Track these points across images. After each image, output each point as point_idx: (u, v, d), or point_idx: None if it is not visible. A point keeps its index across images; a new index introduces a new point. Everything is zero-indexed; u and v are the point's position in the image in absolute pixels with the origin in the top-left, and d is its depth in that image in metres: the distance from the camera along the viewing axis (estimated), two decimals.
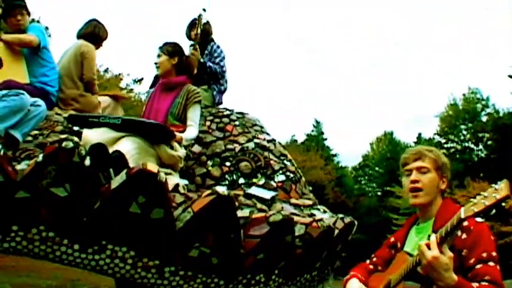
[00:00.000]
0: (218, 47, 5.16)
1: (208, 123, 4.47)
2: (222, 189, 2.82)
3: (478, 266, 2.05)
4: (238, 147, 4.13)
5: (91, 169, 2.64)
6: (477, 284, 1.98)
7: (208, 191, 2.87)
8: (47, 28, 31.78)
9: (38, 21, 31.64)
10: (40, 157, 2.57)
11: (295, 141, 43.84)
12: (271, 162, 4.10)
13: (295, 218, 3.39)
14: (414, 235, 2.41)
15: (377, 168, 43.38)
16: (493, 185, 1.85)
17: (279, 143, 4.45)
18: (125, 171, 2.66)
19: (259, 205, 3.55)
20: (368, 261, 2.60)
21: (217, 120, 4.50)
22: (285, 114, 57.59)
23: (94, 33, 4.72)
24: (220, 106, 5.10)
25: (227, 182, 3.89)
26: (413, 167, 2.36)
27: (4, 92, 3.07)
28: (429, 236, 2.03)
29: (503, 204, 1.79)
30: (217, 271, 2.99)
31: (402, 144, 41.58)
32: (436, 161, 2.35)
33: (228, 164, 4.00)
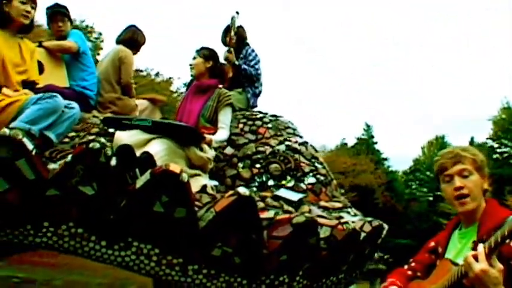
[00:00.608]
0: (253, 50, 5.24)
1: (241, 125, 4.53)
2: (243, 190, 2.87)
3: None
4: (269, 150, 4.17)
5: (117, 169, 2.74)
6: None
7: (231, 192, 2.94)
8: (100, 34, 32.77)
9: (88, 28, 32.69)
10: (69, 157, 2.70)
11: (345, 144, 43.49)
12: (302, 164, 4.12)
13: (321, 221, 3.42)
14: (457, 241, 2.26)
15: (428, 173, 42.44)
16: None
17: (311, 146, 4.47)
18: (149, 171, 2.75)
19: (286, 207, 3.58)
20: (406, 267, 2.48)
21: (250, 122, 4.56)
22: (336, 117, 57.09)
23: (132, 39, 4.88)
24: (255, 109, 5.16)
25: (256, 184, 3.94)
26: (453, 171, 2.21)
27: (39, 95, 3.22)
28: (474, 243, 1.93)
29: None
30: (240, 270, 3.04)
31: None
32: (475, 160, 2.21)
33: (258, 166, 4.04)
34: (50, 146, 3.18)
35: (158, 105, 5.04)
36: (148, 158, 3.20)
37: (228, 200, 2.87)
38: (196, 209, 3.03)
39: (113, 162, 2.73)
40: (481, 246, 1.84)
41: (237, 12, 5.13)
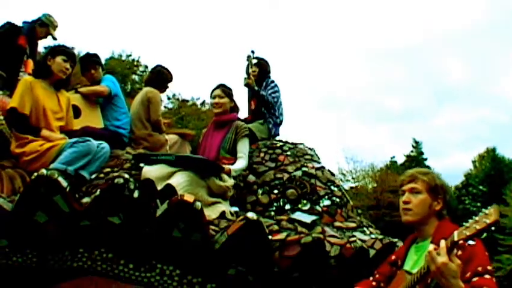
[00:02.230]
0: (272, 81, 5.60)
1: (262, 154, 4.88)
2: (251, 215, 3.22)
3: (475, 279, 2.15)
4: (286, 176, 4.49)
5: (139, 200, 3.14)
6: None
7: (241, 217, 3.29)
8: (146, 67, 33.86)
9: (134, 62, 33.87)
10: (98, 192, 3.13)
11: (395, 162, 42.94)
12: (318, 188, 4.41)
13: (332, 240, 3.70)
14: (414, 253, 2.56)
15: (480, 187, 41.35)
16: (484, 209, 2.02)
17: (328, 171, 4.75)
18: (167, 201, 3.15)
19: (300, 228, 3.88)
20: (371, 278, 2.77)
21: (270, 151, 4.89)
22: (385, 136, 56.55)
23: (157, 79, 5.34)
24: (278, 137, 5.50)
25: (274, 208, 4.26)
26: (406, 188, 2.56)
27: (74, 139, 3.69)
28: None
29: None
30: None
31: (506, 160, 39.42)
32: (429, 183, 2.51)
33: (275, 191, 4.36)
34: (85, 182, 3.62)
35: (187, 139, 5.45)
36: (169, 189, 3.60)
37: (238, 224, 3.23)
38: (214, 233, 3.41)
39: (136, 194, 3.14)
40: (443, 242, 2.07)
41: (252, 51, 5.54)
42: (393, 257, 2.72)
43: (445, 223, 2.49)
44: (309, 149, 5.07)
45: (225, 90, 4.67)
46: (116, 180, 3.10)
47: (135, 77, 37.12)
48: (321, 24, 67.00)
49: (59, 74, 4.06)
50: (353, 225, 4.22)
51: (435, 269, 2.03)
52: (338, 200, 4.42)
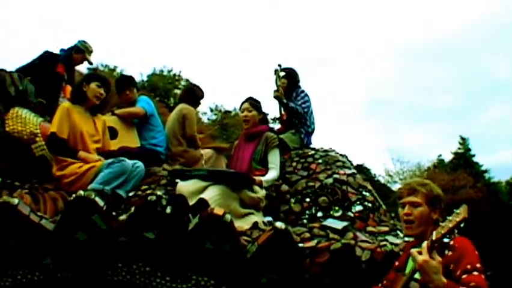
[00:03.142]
0: (302, 91, 5.70)
1: (294, 163, 4.98)
2: (279, 224, 3.33)
3: (464, 276, 2.31)
4: (318, 184, 4.57)
5: (172, 215, 3.30)
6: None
7: (270, 226, 3.40)
8: (187, 80, 34.51)
9: (176, 76, 34.50)
10: (133, 209, 3.30)
11: (442, 161, 42.03)
12: (349, 194, 4.48)
13: (364, 245, 3.77)
14: (412, 259, 2.63)
15: None
16: (455, 209, 2.22)
17: (360, 176, 4.81)
18: (198, 215, 3.29)
19: (331, 235, 3.96)
20: (380, 285, 2.89)
21: (302, 160, 4.99)
22: (431, 134, 55.43)
23: (191, 96, 5.53)
24: (311, 146, 5.59)
25: (307, 216, 4.35)
26: (406, 201, 2.66)
27: (110, 160, 3.91)
28: None
29: None
30: None
31: None
32: (428, 195, 2.63)
33: (307, 199, 4.46)
34: (122, 201, 3.81)
35: (222, 153, 5.61)
36: (202, 203, 3.76)
37: (267, 234, 3.34)
38: (246, 243, 3.53)
39: (169, 210, 3.29)
40: (424, 243, 2.29)
41: (279, 65, 5.66)
42: (396, 263, 2.86)
43: None
44: (341, 155, 5.15)
45: (253, 104, 4.81)
46: (149, 198, 3.27)
47: (177, 92, 37.89)
48: (369, 23, 66.47)
49: (93, 100, 4.30)
50: (386, 229, 4.27)
51: (418, 267, 2.26)
52: (370, 205, 4.48)
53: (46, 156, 4.13)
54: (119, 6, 58.57)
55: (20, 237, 3.18)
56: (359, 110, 59.57)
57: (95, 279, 3.36)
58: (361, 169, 37.69)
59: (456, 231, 2.24)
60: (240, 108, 4.90)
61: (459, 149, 42.22)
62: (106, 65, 35.76)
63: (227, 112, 34.78)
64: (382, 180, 36.54)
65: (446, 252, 2.41)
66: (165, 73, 38.31)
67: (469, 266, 2.34)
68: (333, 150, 5.22)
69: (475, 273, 2.32)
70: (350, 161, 5.17)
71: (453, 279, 2.32)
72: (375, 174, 38.10)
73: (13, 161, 3.99)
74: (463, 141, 42.47)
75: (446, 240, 2.35)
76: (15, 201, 3.10)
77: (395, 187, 34.06)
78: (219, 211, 3.26)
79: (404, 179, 34.70)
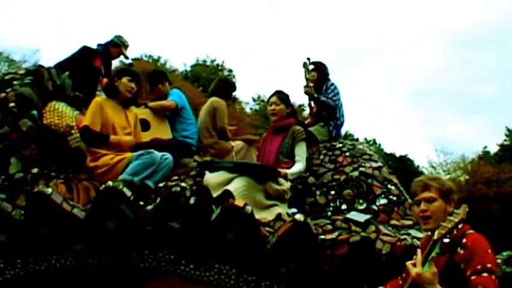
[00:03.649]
0: (332, 84, 5.75)
1: (322, 156, 5.05)
2: (299, 217, 3.44)
3: (473, 277, 2.34)
4: (343, 177, 4.64)
5: (195, 206, 3.45)
6: None
7: (290, 218, 3.51)
8: (231, 70, 34.74)
9: (219, 66, 34.87)
10: (158, 200, 3.47)
11: (488, 152, 40.98)
12: (374, 187, 4.53)
13: (385, 238, 3.84)
14: None
15: None
16: (455, 210, 2.30)
17: (386, 170, 4.84)
18: (220, 206, 3.43)
19: (354, 228, 4.03)
20: (399, 277, 2.92)
21: (329, 153, 5.05)
22: (476, 126, 54.07)
23: (221, 89, 5.67)
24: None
25: (331, 209, 4.42)
26: (420, 197, 2.70)
27: (139, 152, 4.09)
28: (437, 254, 2.38)
29: None
30: (306, 285, 3.57)
31: None
32: (441, 189, 2.67)
33: (332, 192, 4.52)
34: (150, 191, 3.99)
35: (253, 144, 5.72)
36: (227, 194, 3.89)
37: (287, 226, 3.45)
38: (268, 234, 3.65)
39: (192, 201, 3.44)
40: (419, 255, 2.39)
41: (308, 59, 5.72)
42: (414, 257, 2.86)
43: None
44: (369, 148, 5.18)
45: (281, 97, 4.89)
46: (173, 189, 3.43)
47: None
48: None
49: (125, 93, 4.49)
50: (409, 222, 4.30)
51: (412, 279, 2.32)
52: (394, 198, 4.51)
53: (81, 148, 4.34)
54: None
55: (53, 224, 3.38)
56: (404, 100, 58.80)
57: (123, 266, 3.55)
58: (404, 160, 37.30)
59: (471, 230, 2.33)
60: (268, 101, 5.00)
61: (505, 141, 41.04)
62: (150, 56, 36.50)
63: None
64: (426, 172, 36.02)
65: (458, 250, 2.45)
66: (208, 63, 38.75)
67: (479, 267, 2.36)
68: (362, 143, 5.29)
69: (485, 274, 2.34)
70: (377, 154, 5.19)
71: (463, 279, 2.36)
72: (418, 166, 37.59)
73: (50, 152, 4.21)
74: (510, 133, 41.28)
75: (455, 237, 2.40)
76: (49, 190, 3.31)
77: None
78: (239, 203, 3.39)
79: (447, 171, 34.15)
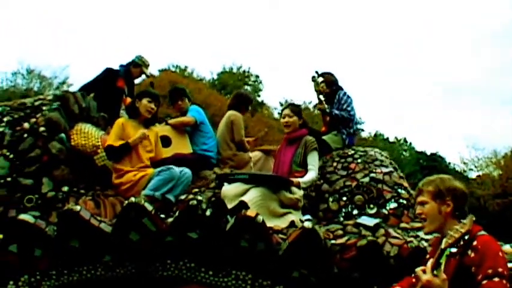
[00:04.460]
0: (345, 94, 5.95)
1: (335, 163, 5.28)
2: (307, 224, 3.69)
3: (484, 282, 2.37)
4: (354, 183, 4.87)
5: (211, 217, 3.73)
6: None
7: (300, 225, 3.77)
8: (257, 76, 34.96)
9: (245, 73, 35.15)
10: (176, 213, 3.77)
11: None
12: (384, 192, 4.75)
13: (393, 241, 4.06)
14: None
15: None
16: (462, 220, 2.37)
17: (396, 174, 5.04)
18: (234, 216, 3.71)
19: (364, 232, 4.25)
20: (412, 275, 2.97)
21: (342, 160, 5.29)
22: (508, 119, 53.11)
23: (238, 103, 5.95)
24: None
25: (343, 214, 4.66)
26: (416, 202, 2.88)
27: (160, 168, 4.40)
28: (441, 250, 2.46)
29: None
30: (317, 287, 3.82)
31: None
32: (433, 192, 2.77)
33: (344, 198, 4.76)
34: (171, 204, 4.29)
35: (271, 154, 5.98)
36: (242, 205, 4.16)
37: (296, 233, 3.71)
38: (281, 241, 3.91)
39: (208, 212, 3.73)
40: (429, 262, 2.40)
41: (316, 72, 5.95)
42: (427, 256, 3.02)
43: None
44: (380, 154, 5.38)
45: (293, 110, 5.15)
46: (190, 202, 3.73)
47: (247, 88, 38.66)
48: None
49: (145, 114, 4.82)
50: (419, 225, 4.46)
51: (422, 285, 2.35)
52: (404, 201, 4.73)
53: (107, 166, 4.68)
54: (188, 8, 60.17)
55: (83, 238, 3.71)
56: (434, 98, 58.19)
57: (148, 275, 3.85)
58: (435, 158, 36.98)
59: (482, 232, 2.43)
60: (281, 113, 5.26)
61: None
62: (177, 65, 37.16)
63: None
64: (458, 169, 35.66)
65: (469, 252, 2.48)
66: (234, 70, 39.17)
67: (490, 271, 2.39)
68: (373, 149, 5.48)
69: (496, 279, 2.37)
70: (389, 159, 5.38)
71: (474, 282, 2.40)
72: (449, 163, 37.22)
73: (78, 172, 4.55)
74: None
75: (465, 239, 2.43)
76: (78, 208, 3.64)
77: (471, 175, 33.20)
78: (251, 213, 3.66)
79: (479, 167, 33.75)
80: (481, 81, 59.16)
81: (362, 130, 35.05)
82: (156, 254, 3.82)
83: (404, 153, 44.33)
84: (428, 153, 38.55)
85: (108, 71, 6.23)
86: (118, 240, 3.74)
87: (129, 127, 4.71)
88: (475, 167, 34.40)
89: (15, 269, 3.72)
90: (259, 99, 37.98)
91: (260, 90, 39.06)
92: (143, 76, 6.72)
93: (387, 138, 44.56)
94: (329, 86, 5.98)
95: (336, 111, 5.81)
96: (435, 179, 2.85)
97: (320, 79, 5.91)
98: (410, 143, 45.31)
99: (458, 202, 2.75)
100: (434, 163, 35.54)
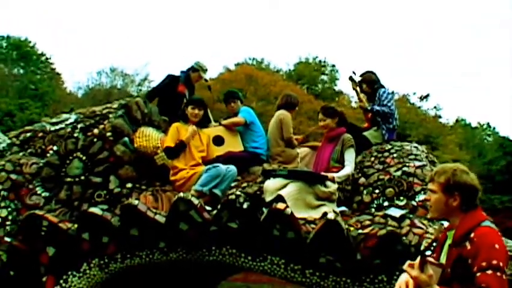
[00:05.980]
0: (384, 92, 6.29)
1: (372, 158, 5.67)
2: (330, 215, 4.20)
3: (478, 274, 2.40)
4: (387, 177, 5.27)
5: (248, 210, 4.33)
6: None
7: (325, 217, 4.28)
8: (333, 65, 34.88)
9: (321, 63, 35.18)
10: (219, 206, 4.40)
11: None
12: (415, 185, 5.12)
13: (416, 231, 4.48)
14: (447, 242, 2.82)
15: None
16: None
17: (428, 168, 5.37)
18: (268, 208, 4.28)
19: (390, 222, 4.68)
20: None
21: (379, 155, 5.67)
22: None
23: (286, 103, 6.45)
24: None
25: (375, 206, 5.09)
26: (428, 187, 2.86)
27: (208, 166, 5.03)
28: (449, 246, 2.63)
29: None
30: (342, 273, 4.32)
31: None
32: (443, 184, 2.71)
33: (377, 191, 5.18)
34: (218, 199, 4.90)
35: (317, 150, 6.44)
36: (278, 199, 4.72)
37: (321, 223, 4.23)
38: (311, 230, 4.43)
39: (245, 205, 4.34)
40: (418, 258, 2.41)
41: (354, 72, 6.34)
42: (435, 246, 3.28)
43: (469, 215, 2.70)
44: (416, 148, 5.71)
45: (325, 113, 5.62)
46: (230, 197, 4.36)
47: (324, 77, 38.71)
48: None
49: (192, 119, 5.48)
50: None
51: (411, 279, 2.41)
52: None
53: (166, 165, 5.37)
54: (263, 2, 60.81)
55: (141, 227, 4.43)
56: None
57: (196, 259, 4.52)
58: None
59: (485, 223, 2.50)
60: (318, 117, 5.75)
61: None
62: (254, 58, 37.85)
63: None
64: None
65: (466, 244, 2.52)
66: (310, 61, 39.21)
67: (484, 264, 2.41)
68: (409, 144, 5.83)
69: (489, 271, 2.40)
70: (425, 153, 5.69)
71: (470, 274, 2.44)
72: None
73: (141, 170, 5.27)
74: None
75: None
76: (136, 202, 4.37)
77: None
78: (281, 206, 4.22)
79: None
80: None
81: (440, 117, 34.18)
82: (202, 241, 4.47)
83: (487, 138, 42.77)
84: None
85: (170, 77, 6.93)
86: (170, 229, 4.42)
87: (183, 130, 5.36)
88: None
89: (87, 253, 4.50)
90: (336, 88, 37.91)
91: (337, 79, 38.89)
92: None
93: (470, 123, 43.17)
94: (369, 85, 6.36)
95: (377, 107, 6.17)
96: (449, 170, 2.77)
97: (358, 78, 6.30)
98: (494, 128, 43.65)
99: (466, 196, 2.71)
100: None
